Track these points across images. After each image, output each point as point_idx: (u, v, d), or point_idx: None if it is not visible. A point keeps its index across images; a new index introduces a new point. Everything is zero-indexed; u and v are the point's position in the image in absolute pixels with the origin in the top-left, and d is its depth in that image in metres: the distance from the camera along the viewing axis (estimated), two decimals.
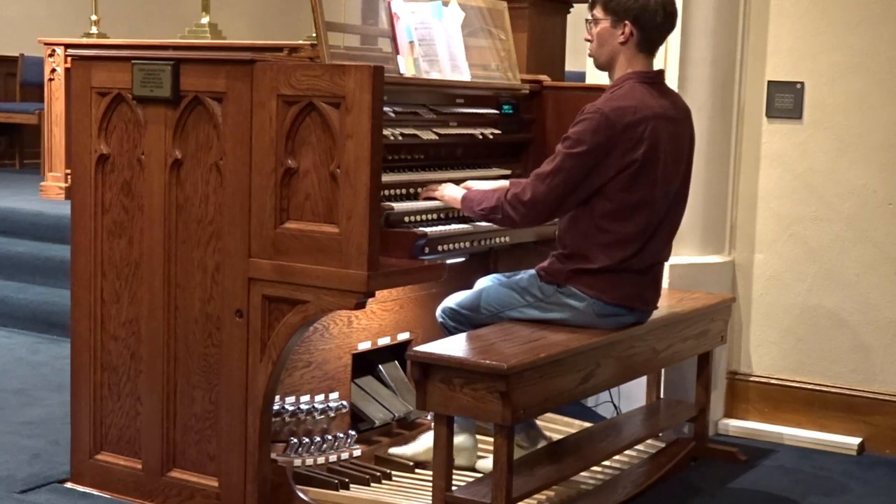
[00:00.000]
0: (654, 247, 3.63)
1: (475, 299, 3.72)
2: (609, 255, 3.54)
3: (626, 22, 3.56)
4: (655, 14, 3.57)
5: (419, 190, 3.78)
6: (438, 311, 3.80)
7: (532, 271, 3.70)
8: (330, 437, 3.82)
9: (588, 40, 3.68)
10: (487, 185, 3.91)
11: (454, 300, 3.77)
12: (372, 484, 3.75)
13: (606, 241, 3.53)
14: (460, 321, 3.72)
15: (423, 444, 3.88)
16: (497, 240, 3.84)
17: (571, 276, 3.58)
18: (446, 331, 3.74)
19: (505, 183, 3.95)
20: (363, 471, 3.78)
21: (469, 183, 3.85)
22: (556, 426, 4.32)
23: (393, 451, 3.94)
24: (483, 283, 3.83)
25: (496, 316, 3.68)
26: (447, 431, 3.27)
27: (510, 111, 4.29)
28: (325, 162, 3.21)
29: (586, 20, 3.70)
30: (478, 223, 3.71)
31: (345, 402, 3.92)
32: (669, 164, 3.60)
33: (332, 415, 3.87)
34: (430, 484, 3.39)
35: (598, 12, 3.62)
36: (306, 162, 3.24)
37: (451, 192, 3.70)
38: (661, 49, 4.40)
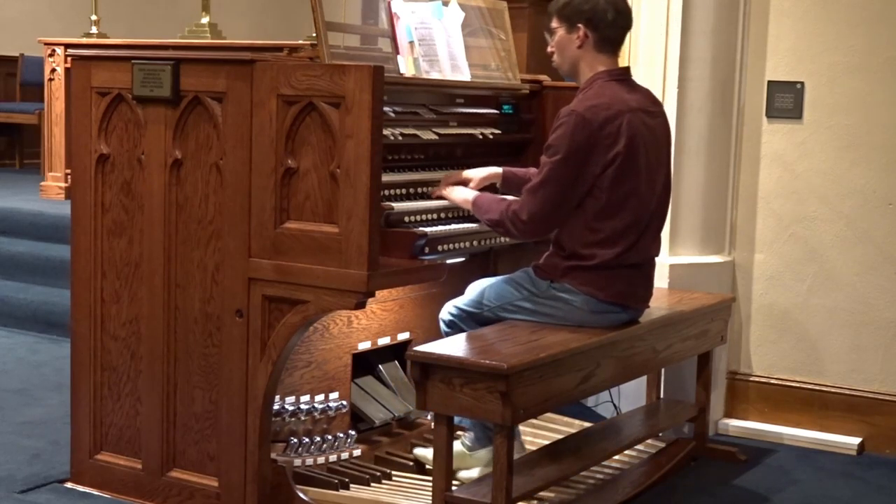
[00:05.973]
0: (645, 241, 3.68)
1: (478, 296, 3.74)
2: (604, 251, 3.57)
3: (579, 25, 3.64)
4: (606, 12, 3.63)
5: (419, 190, 3.79)
6: (443, 314, 3.80)
7: (528, 268, 3.73)
8: (330, 437, 3.82)
9: (551, 52, 3.74)
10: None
11: (458, 301, 3.78)
12: (372, 484, 3.75)
13: (599, 238, 3.57)
14: (464, 320, 3.72)
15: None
16: (497, 240, 3.85)
17: (567, 272, 3.61)
18: (447, 334, 3.73)
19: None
20: (363, 471, 3.78)
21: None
22: (556, 426, 4.32)
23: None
24: (477, 285, 3.83)
25: (497, 310, 3.70)
26: (447, 431, 3.27)
27: (510, 111, 4.29)
28: (325, 162, 3.21)
29: (545, 32, 3.76)
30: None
31: (345, 402, 3.92)
32: (651, 156, 3.65)
33: (332, 415, 3.87)
34: (430, 484, 3.40)
35: (554, 22, 3.71)
36: (306, 162, 3.24)
37: (461, 195, 3.74)
38: (661, 49, 4.43)
